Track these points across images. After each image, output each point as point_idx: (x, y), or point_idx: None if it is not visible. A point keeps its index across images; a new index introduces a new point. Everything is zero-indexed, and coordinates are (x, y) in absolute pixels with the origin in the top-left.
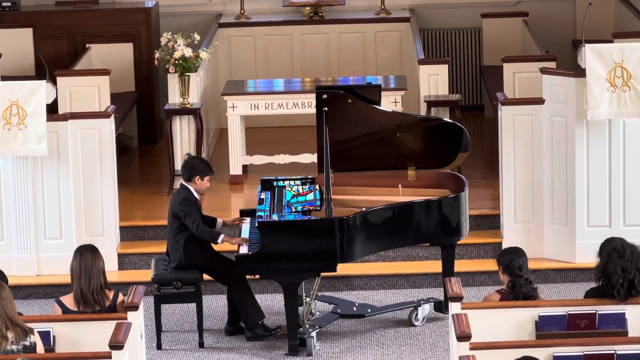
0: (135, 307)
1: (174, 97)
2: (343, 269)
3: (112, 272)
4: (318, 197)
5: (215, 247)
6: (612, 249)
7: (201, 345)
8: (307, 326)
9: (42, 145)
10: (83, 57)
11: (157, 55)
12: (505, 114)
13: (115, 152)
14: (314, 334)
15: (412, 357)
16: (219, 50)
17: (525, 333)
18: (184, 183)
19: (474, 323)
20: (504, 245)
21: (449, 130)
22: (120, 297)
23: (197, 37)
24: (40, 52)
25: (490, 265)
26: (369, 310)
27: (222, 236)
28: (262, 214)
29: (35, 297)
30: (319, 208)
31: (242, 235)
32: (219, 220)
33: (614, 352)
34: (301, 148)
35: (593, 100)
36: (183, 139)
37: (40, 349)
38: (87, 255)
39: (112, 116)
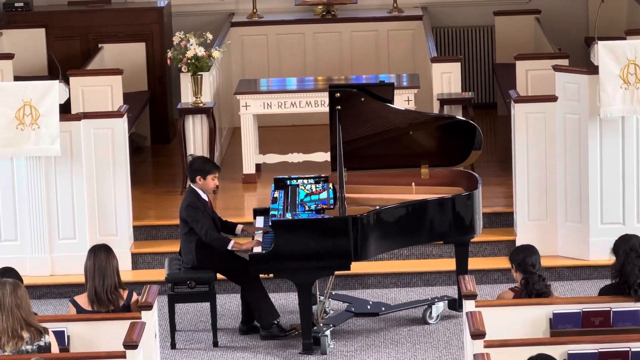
0: (149, 307)
1: (187, 97)
2: (357, 267)
3: (126, 271)
4: (331, 195)
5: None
6: (630, 248)
7: (215, 344)
8: (322, 325)
9: (55, 146)
10: (96, 56)
11: (169, 54)
12: (518, 111)
13: (129, 152)
14: (328, 332)
15: (426, 356)
16: (232, 49)
17: (540, 330)
18: (191, 185)
19: (488, 321)
20: (518, 243)
21: (462, 128)
22: (134, 297)
23: (210, 36)
24: (53, 52)
25: (504, 262)
26: (383, 309)
27: (232, 242)
28: (275, 212)
29: (49, 297)
30: (332, 207)
31: (256, 236)
32: (239, 227)
33: (628, 349)
34: (314, 147)
35: (606, 98)
36: (196, 138)
37: (55, 348)
38: (101, 254)
39: (125, 116)
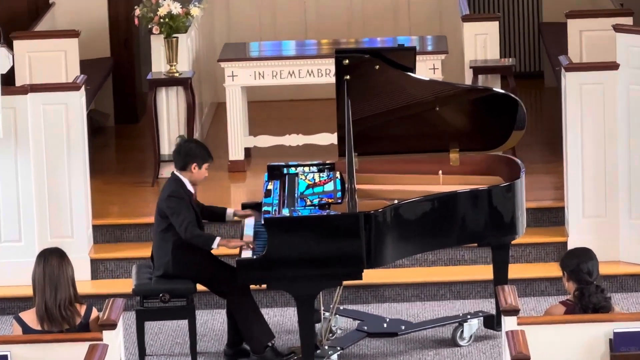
0: (112, 326)
1: (159, 65)
2: (370, 276)
3: (84, 282)
4: (339, 187)
5: (214, 251)
6: None
7: None
8: (327, 347)
9: None
10: (45, 15)
11: (137, 12)
12: (571, 82)
13: (87, 134)
14: (334, 357)
15: None
16: (215, 6)
17: (597, 354)
18: (176, 172)
19: (534, 342)
20: (570, 246)
21: (500, 103)
22: (94, 313)
23: None
24: None
25: (553, 270)
26: (403, 328)
27: (218, 239)
28: (269, 208)
29: None
30: (340, 201)
31: (245, 233)
32: (229, 211)
33: None
34: (317, 127)
35: None
36: (170, 116)
37: None
38: (52, 261)
39: (83, 88)
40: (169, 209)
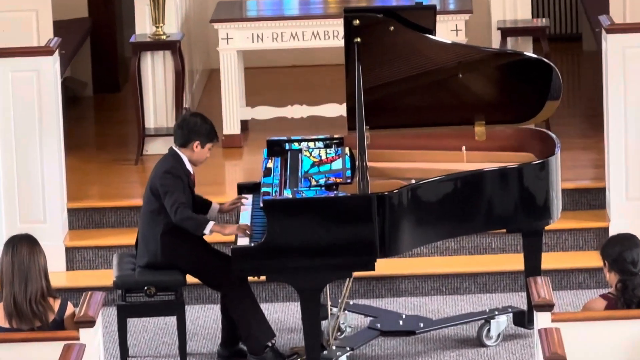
0: (90, 323)
1: (144, 26)
2: (384, 266)
3: (59, 273)
4: (348, 165)
5: (206, 238)
6: None
7: None
8: (335, 348)
9: None
10: None
11: None
12: (612, 45)
13: (62, 105)
14: (343, 358)
15: None
16: None
17: None
18: (176, 148)
19: (570, 341)
20: (612, 232)
21: (532, 70)
22: (70, 309)
23: None
24: None
25: (593, 259)
26: (422, 325)
27: (211, 224)
28: (269, 189)
29: None
30: (349, 180)
31: (241, 222)
32: (214, 206)
33: None
34: (324, 96)
35: None
36: (157, 84)
37: None
38: (22, 249)
39: (57, 53)
40: (162, 187)
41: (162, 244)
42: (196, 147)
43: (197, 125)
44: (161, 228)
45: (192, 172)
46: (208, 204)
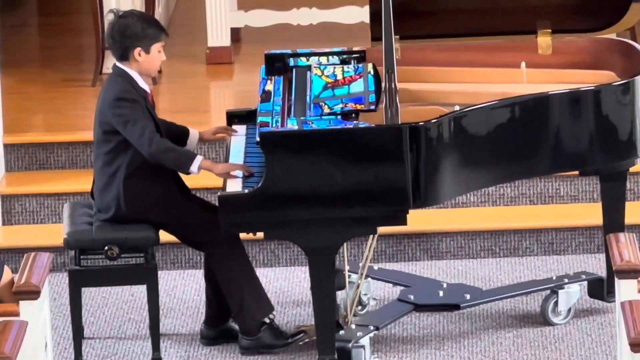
0: (34, 294)
1: None
2: (419, 220)
3: None
4: (372, 87)
5: (185, 180)
6: None
7: None
8: (354, 327)
9: None
10: None
11: None
12: None
13: None
14: (366, 340)
15: None
16: None
17: None
18: (119, 64)
19: None
20: None
21: None
22: (7, 275)
23: None
24: None
25: None
26: (468, 297)
27: (199, 158)
28: (267, 119)
29: None
30: (373, 107)
31: (231, 160)
32: (193, 132)
33: None
34: None
35: None
36: None
37: None
38: None
39: None
40: (118, 118)
41: (125, 190)
42: (138, 54)
43: (129, 27)
44: (124, 170)
45: (148, 90)
46: (184, 132)
